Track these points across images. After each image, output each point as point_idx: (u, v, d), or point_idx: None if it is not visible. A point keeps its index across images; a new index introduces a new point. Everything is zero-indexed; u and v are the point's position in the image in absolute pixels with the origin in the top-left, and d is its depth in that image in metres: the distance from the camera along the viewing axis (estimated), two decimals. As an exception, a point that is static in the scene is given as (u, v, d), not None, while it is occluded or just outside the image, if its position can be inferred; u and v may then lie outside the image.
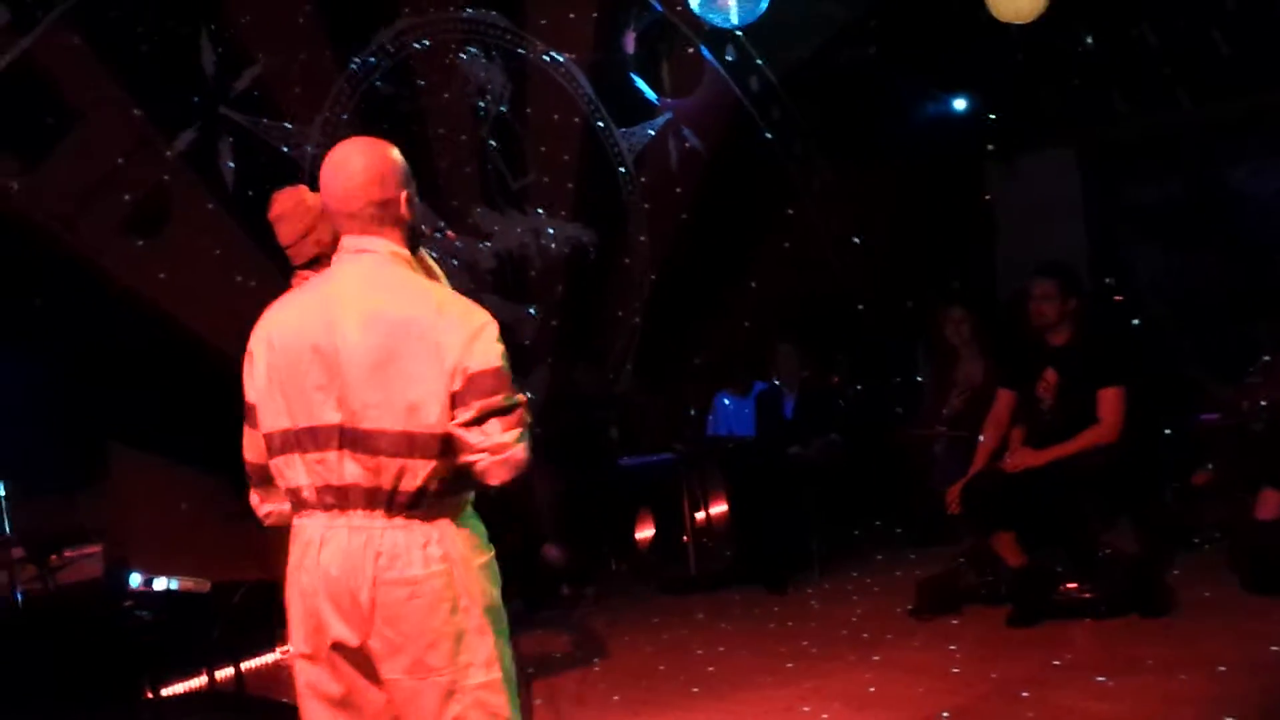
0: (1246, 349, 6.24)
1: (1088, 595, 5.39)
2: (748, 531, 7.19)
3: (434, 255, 2.83)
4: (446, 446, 2.42)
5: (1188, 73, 9.06)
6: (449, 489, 2.46)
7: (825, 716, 4.57)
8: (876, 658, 5.26)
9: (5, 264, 5.66)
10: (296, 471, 2.48)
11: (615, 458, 7.59)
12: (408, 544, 2.42)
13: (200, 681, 5.44)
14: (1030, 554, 5.55)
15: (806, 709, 4.67)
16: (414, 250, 2.62)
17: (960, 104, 10.00)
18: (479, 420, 2.40)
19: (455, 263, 7.40)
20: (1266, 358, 6.14)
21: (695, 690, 5.11)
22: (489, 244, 7.83)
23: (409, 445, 2.40)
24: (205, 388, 4.61)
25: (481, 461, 2.41)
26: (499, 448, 2.40)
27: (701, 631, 6.09)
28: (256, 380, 2.55)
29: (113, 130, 6.24)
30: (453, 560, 2.45)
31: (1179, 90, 9.22)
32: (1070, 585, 5.45)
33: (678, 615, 6.46)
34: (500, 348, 2.45)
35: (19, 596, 4.89)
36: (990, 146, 10.06)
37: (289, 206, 3.80)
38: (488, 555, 2.54)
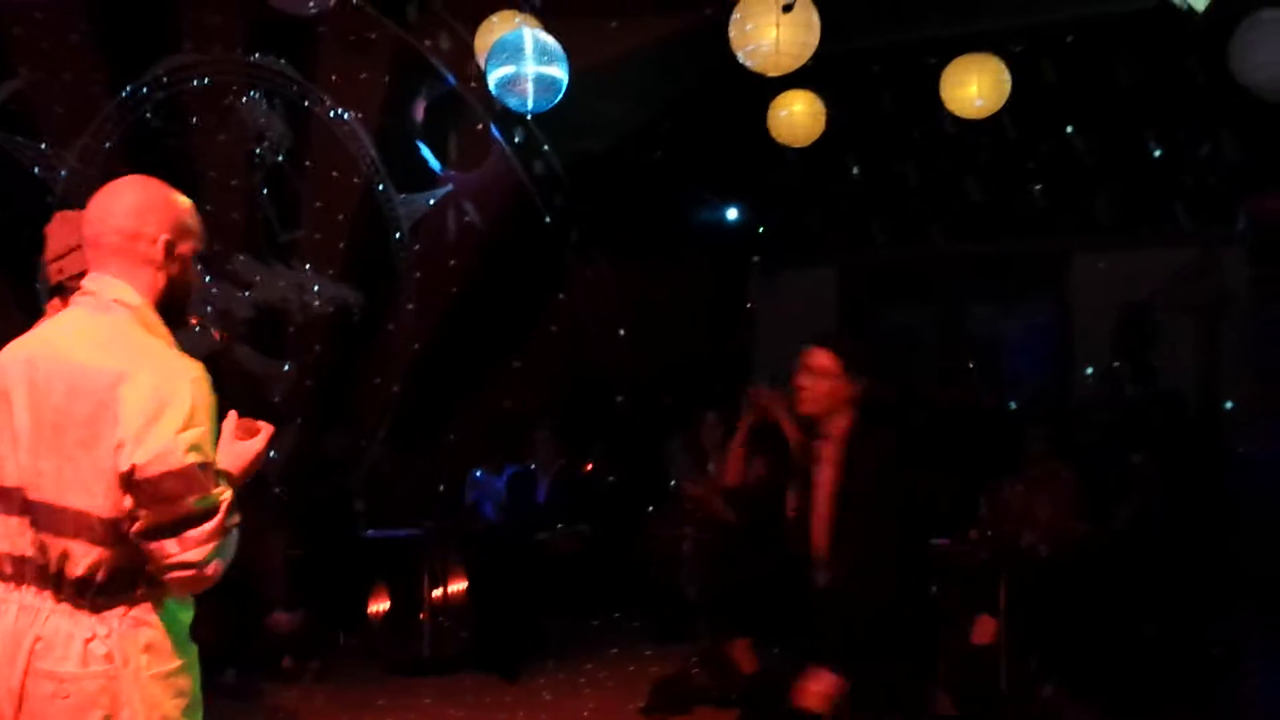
0: (982, 478, 6.60)
1: (814, 707, 5.50)
2: (485, 614, 7.06)
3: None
4: (119, 535, 2.10)
5: (941, 212, 9.70)
6: (124, 581, 2.13)
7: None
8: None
9: None
10: None
11: (358, 528, 7.35)
12: (70, 634, 2.11)
13: None
14: (763, 659, 5.64)
15: (529, 806, 4.58)
16: (172, 318, 2.29)
17: (733, 214, 10.37)
18: (160, 531, 2.06)
19: (209, 309, 7.09)
20: (1000, 487, 6.48)
21: (416, 779, 4.94)
22: (248, 293, 7.54)
23: (74, 525, 2.10)
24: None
25: (164, 574, 2.10)
26: (182, 565, 2.07)
27: (428, 717, 5.92)
28: None
29: None
30: (118, 663, 2.11)
31: (933, 227, 9.85)
32: (799, 694, 5.55)
33: (405, 698, 6.25)
34: (191, 437, 2.07)
35: None
36: (756, 258, 10.45)
37: (55, 225, 3.61)
38: (173, 664, 2.18)
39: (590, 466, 8.29)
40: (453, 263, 8.50)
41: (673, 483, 7.97)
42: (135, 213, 2.25)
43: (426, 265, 8.45)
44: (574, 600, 7.37)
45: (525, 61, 5.92)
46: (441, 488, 7.93)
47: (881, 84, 9.08)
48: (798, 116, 7.11)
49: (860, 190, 9.89)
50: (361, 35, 7.98)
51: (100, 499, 2.09)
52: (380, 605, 7.29)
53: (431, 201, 8.47)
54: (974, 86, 6.51)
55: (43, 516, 2.11)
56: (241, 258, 7.56)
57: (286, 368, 7.70)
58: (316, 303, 7.92)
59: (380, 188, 8.26)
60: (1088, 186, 9.11)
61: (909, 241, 10.05)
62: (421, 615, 7.06)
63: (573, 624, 7.35)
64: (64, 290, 3.67)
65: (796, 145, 7.34)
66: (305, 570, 6.84)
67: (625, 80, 8.10)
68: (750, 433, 5.77)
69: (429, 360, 8.32)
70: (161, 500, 2.05)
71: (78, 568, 2.11)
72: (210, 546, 2.08)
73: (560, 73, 5.98)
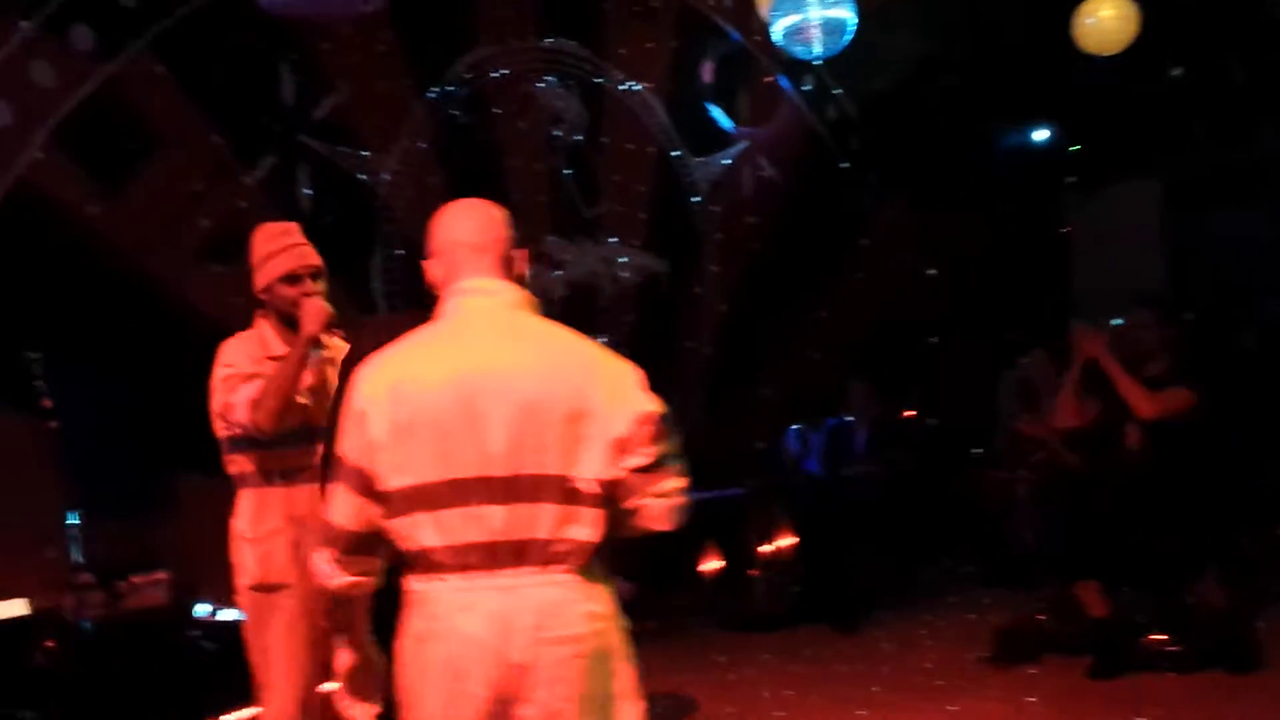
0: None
1: (1174, 648, 5.21)
2: (816, 568, 7.06)
3: None
4: (608, 496, 2.34)
5: (1273, 107, 8.89)
6: (604, 544, 2.36)
7: (899, 769, 4.44)
8: (952, 708, 5.10)
9: (84, 287, 5.70)
10: (426, 531, 2.31)
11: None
12: (563, 600, 2.31)
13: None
14: (1114, 602, 5.38)
15: (880, 760, 4.55)
16: None
17: (1041, 135, 9.87)
18: (652, 466, 2.35)
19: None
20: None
21: (764, 736, 5.01)
22: (561, 273, 7.81)
23: (570, 493, 2.30)
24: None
25: (651, 507, 2.36)
26: (669, 493, 2.38)
27: (769, 673, 5.96)
28: (370, 439, 2.35)
29: (193, 157, 6.29)
30: (608, 619, 2.36)
31: (1264, 125, 9.05)
32: (1155, 636, 5.27)
33: (743, 654, 6.33)
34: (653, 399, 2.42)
35: (85, 624, 4.87)
36: (1071, 178, 9.90)
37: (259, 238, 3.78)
38: (625, 622, 2.45)
39: (911, 413, 8.11)
40: (753, 220, 8.49)
41: (1003, 423, 7.69)
42: (511, 227, 2.52)
43: (727, 225, 8.49)
44: (901, 548, 7.24)
45: (811, 7, 5.82)
46: (760, 445, 7.96)
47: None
48: (1106, 22, 6.71)
49: (1180, 93, 9.19)
50: (645, 4, 8.05)
51: (595, 463, 2.32)
52: (712, 564, 7.40)
53: (727, 161, 8.49)
54: (1306, -36, 5.90)
55: (531, 491, 2.29)
56: (550, 238, 7.81)
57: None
58: (625, 274, 8.11)
59: (676, 154, 8.35)
60: None
61: (1237, 143, 9.28)
62: (752, 572, 7.14)
63: (902, 573, 7.24)
64: (269, 304, 3.70)
65: (1106, 53, 6.91)
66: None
67: (913, 8, 7.82)
68: (1082, 371, 5.50)
69: (737, 319, 8.35)
70: (656, 439, 2.35)
71: (572, 532, 2.31)
72: (684, 482, 2.40)
73: (848, 13, 5.85)
